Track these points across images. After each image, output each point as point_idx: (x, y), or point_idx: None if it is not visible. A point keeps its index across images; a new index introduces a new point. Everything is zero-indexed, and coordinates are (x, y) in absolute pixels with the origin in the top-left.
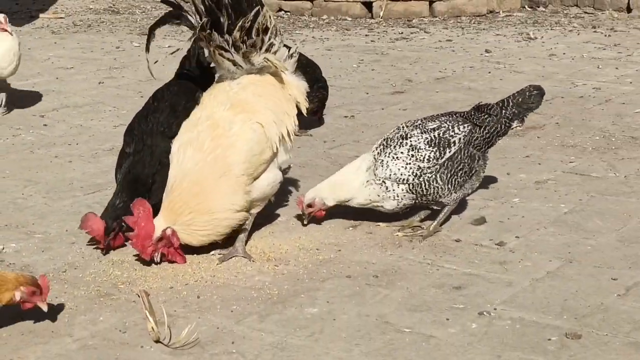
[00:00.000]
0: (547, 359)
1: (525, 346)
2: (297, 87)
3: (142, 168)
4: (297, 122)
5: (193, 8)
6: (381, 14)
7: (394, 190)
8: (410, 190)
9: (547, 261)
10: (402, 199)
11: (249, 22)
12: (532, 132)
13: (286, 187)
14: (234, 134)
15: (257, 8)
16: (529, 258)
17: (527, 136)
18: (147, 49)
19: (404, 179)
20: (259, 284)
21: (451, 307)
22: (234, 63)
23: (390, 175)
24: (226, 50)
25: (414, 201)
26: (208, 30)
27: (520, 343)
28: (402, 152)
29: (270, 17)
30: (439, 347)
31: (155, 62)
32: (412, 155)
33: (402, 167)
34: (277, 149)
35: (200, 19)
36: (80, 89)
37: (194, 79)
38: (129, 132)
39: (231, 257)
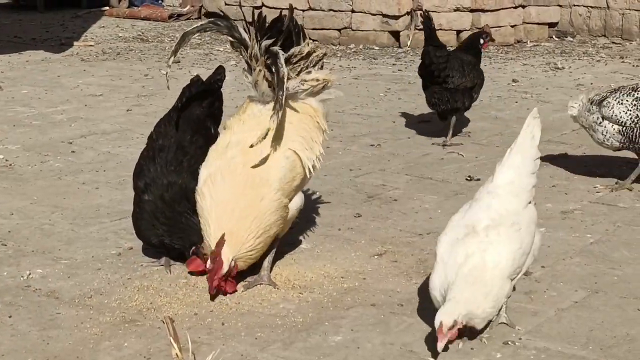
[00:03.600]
0: None
1: None
2: (324, 115)
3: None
4: (322, 150)
5: (251, 28)
6: (409, 43)
7: (605, 127)
8: (621, 132)
9: (573, 291)
10: (609, 137)
11: (302, 50)
12: (559, 161)
13: (311, 215)
14: (266, 161)
15: (307, 39)
16: (555, 288)
17: (553, 166)
18: (175, 53)
19: (621, 122)
20: (284, 311)
21: (476, 337)
22: (273, 86)
23: (611, 115)
24: (275, 66)
25: (619, 144)
26: (275, 50)
27: None
28: (627, 100)
29: (315, 47)
30: None
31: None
32: (635, 105)
33: (624, 111)
34: (307, 175)
35: (258, 37)
36: (108, 116)
37: (196, 108)
38: (139, 176)
39: (256, 285)
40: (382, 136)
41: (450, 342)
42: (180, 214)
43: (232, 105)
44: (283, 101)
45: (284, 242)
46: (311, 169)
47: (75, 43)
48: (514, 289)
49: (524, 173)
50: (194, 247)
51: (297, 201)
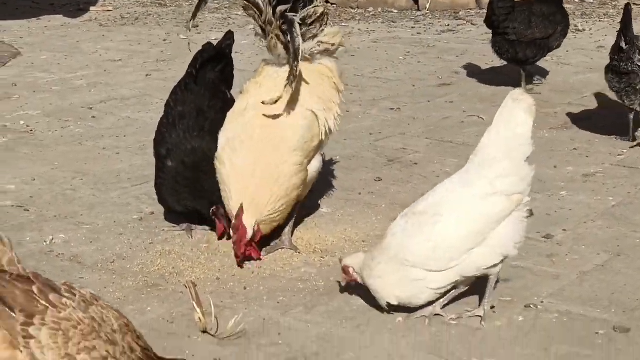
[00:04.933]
0: (595, 353)
1: (573, 339)
2: (339, 74)
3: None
4: (340, 111)
5: None
6: (427, 6)
7: None
8: None
9: (595, 254)
10: None
11: (316, 10)
12: (580, 124)
13: (331, 179)
14: (284, 121)
15: None
16: (577, 251)
17: (574, 129)
18: (194, 17)
19: None
20: (306, 275)
21: (498, 300)
22: (288, 48)
23: None
24: (291, 35)
25: None
26: (291, 18)
27: (568, 336)
28: None
29: (326, 7)
30: (485, 340)
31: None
32: None
33: None
34: (325, 136)
35: (271, 1)
36: (127, 81)
37: (210, 73)
38: (161, 144)
39: (277, 249)
40: (401, 100)
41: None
42: (201, 176)
43: (251, 69)
44: (297, 72)
45: (305, 206)
46: (329, 129)
47: (92, 8)
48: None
49: (483, 162)
50: (213, 208)
51: (316, 163)
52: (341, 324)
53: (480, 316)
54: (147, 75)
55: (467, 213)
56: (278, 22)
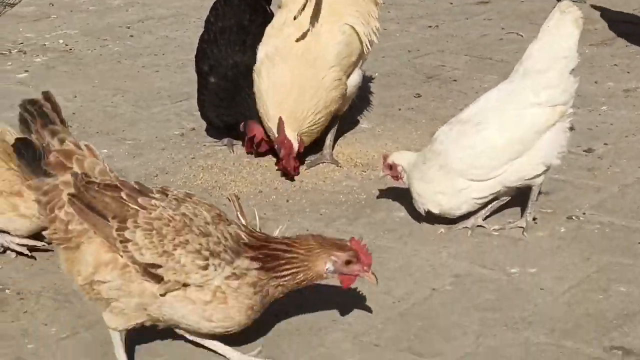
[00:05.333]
0: (637, 262)
1: (615, 249)
2: None
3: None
4: (378, 25)
5: None
6: None
7: None
8: None
9: (637, 167)
10: None
11: None
12: (621, 40)
13: (370, 95)
14: (323, 36)
15: None
16: (618, 164)
17: (615, 45)
18: None
19: None
20: (347, 188)
21: (539, 212)
22: None
23: None
24: None
25: None
26: None
27: (610, 246)
28: None
29: None
30: (527, 249)
31: None
32: None
33: None
34: (364, 50)
35: None
36: (164, 0)
37: None
38: (202, 60)
39: (318, 163)
40: (439, 17)
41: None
42: (243, 91)
43: None
44: None
45: (345, 121)
46: (368, 44)
47: None
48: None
49: (528, 72)
50: (242, 123)
51: (356, 78)
52: (384, 235)
53: (522, 227)
54: None
55: (511, 122)
56: None
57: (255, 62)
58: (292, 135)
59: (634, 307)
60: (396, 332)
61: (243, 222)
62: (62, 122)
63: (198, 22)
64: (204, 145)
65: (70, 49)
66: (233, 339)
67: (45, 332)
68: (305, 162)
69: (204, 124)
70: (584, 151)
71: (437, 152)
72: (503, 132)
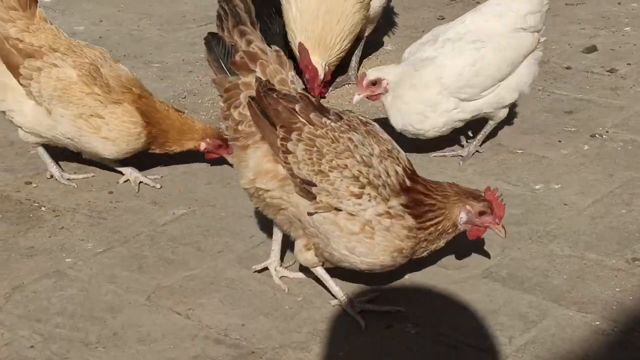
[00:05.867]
0: None
1: (637, 166)
2: None
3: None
4: None
5: None
6: None
7: None
8: None
9: None
10: None
11: None
12: None
13: (394, 18)
14: None
15: None
16: None
17: None
18: None
19: None
20: (372, 109)
21: (563, 130)
22: None
23: None
24: None
25: None
26: None
27: (633, 162)
28: None
29: None
30: (551, 167)
31: None
32: None
33: None
34: None
35: None
36: None
37: None
38: None
39: (344, 84)
40: None
41: (368, 97)
42: (262, 18)
43: None
44: None
45: (369, 43)
46: None
47: None
48: (486, 120)
49: None
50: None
51: (379, 1)
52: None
53: (462, 156)
54: None
55: (505, 43)
56: None
57: None
58: (319, 62)
59: None
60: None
61: None
62: (252, 24)
63: None
64: None
65: None
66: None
67: (81, 247)
68: (340, 81)
69: None
70: (607, 71)
71: (430, 62)
72: (499, 51)
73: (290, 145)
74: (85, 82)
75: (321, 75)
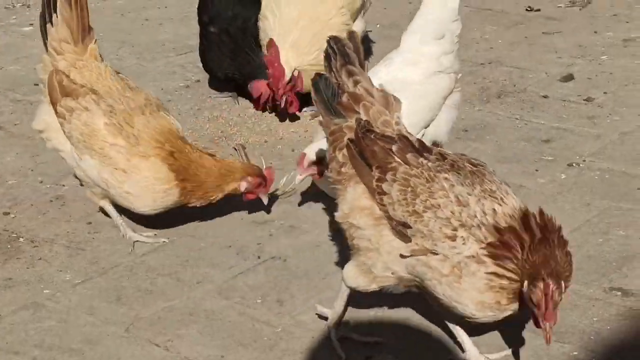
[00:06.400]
0: (636, 207)
1: (614, 195)
2: None
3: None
4: None
5: None
6: None
7: None
8: None
9: (636, 115)
10: None
11: None
12: None
13: (372, 45)
14: None
15: None
16: (618, 112)
17: None
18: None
19: None
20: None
21: (540, 159)
22: None
23: None
24: None
25: None
26: None
27: (609, 192)
28: None
29: None
30: (528, 196)
31: None
32: None
33: None
34: None
35: None
36: None
37: None
38: (203, 11)
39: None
40: None
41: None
42: (243, 48)
43: None
44: None
45: None
46: None
47: None
48: None
49: (426, 39)
50: (249, 85)
51: (360, 24)
52: None
53: None
54: None
55: (423, 89)
56: None
57: (254, 16)
58: (289, 64)
59: (633, 250)
60: None
61: None
62: (361, 64)
63: None
64: (209, 97)
65: None
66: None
67: (60, 278)
68: (310, 112)
69: (208, 76)
70: (584, 100)
71: None
72: (418, 100)
73: (385, 186)
74: (110, 132)
75: (287, 75)
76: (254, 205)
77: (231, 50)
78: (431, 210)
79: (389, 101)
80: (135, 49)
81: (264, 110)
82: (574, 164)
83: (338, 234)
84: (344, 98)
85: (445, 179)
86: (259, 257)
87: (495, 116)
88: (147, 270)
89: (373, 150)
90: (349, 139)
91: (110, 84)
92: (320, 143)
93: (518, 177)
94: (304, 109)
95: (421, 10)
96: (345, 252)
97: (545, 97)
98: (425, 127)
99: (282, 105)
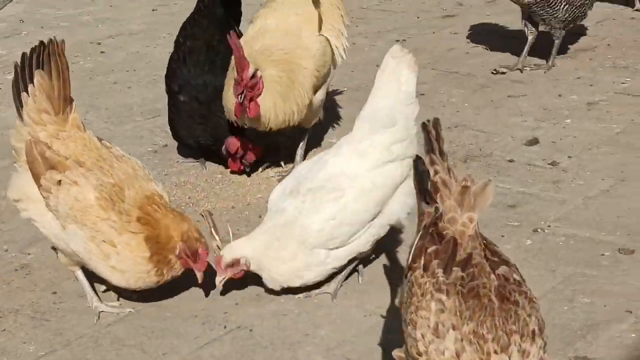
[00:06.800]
0: (601, 273)
1: (579, 261)
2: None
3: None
4: (346, 44)
5: None
6: None
7: None
8: None
9: (600, 180)
10: None
11: None
12: (583, 53)
13: (339, 110)
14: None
15: None
16: (582, 177)
17: (578, 58)
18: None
19: None
20: None
21: (506, 225)
22: None
23: None
24: None
25: None
26: None
27: (575, 258)
28: None
29: None
30: None
31: None
32: None
33: None
34: (334, 65)
35: None
36: (134, 16)
37: (218, 8)
38: (172, 80)
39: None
40: (407, 31)
41: (233, 278)
42: (214, 113)
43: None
44: None
45: (314, 137)
46: (341, 55)
47: None
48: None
49: (375, 127)
50: (225, 144)
51: (323, 93)
52: None
53: (329, 293)
54: (153, 10)
55: (369, 183)
56: None
57: (224, 83)
58: (254, 65)
59: (597, 318)
60: (368, 346)
61: (217, 239)
62: (441, 153)
63: (169, 38)
64: (177, 162)
65: None
66: None
67: (23, 350)
68: (277, 176)
69: (175, 141)
70: (548, 164)
71: (290, 226)
72: (363, 195)
73: (403, 283)
74: (102, 207)
75: (250, 71)
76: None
77: (202, 117)
78: (410, 324)
79: (466, 198)
80: (103, 113)
81: (240, 170)
82: (539, 230)
83: (303, 302)
84: (430, 185)
85: (439, 300)
86: (225, 327)
87: None
88: (112, 342)
89: (421, 244)
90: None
91: (97, 154)
92: (238, 242)
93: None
94: (272, 174)
95: (372, 95)
96: (309, 320)
97: (511, 161)
98: (372, 220)
99: (241, 101)
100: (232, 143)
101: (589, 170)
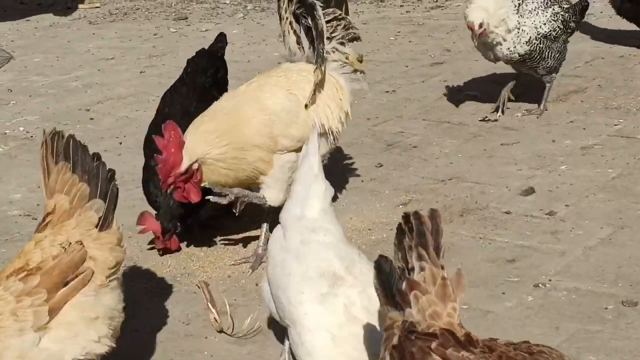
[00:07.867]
0: (605, 328)
1: (583, 316)
2: (349, 95)
3: None
4: (339, 129)
5: None
6: None
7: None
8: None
9: (599, 228)
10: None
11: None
12: (575, 95)
13: (333, 167)
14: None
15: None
16: (581, 226)
17: (569, 100)
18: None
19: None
20: None
21: (506, 281)
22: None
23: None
24: (316, 27)
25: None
26: (311, 1)
27: (577, 313)
28: None
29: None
30: (496, 322)
31: None
32: None
33: None
34: (305, 131)
35: None
36: (122, 79)
37: (201, 77)
38: (146, 144)
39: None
40: (396, 81)
41: None
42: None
43: (244, 59)
44: (324, 54)
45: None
46: (316, 123)
47: (80, 5)
48: None
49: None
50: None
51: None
52: None
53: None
54: (141, 72)
55: None
56: (293, 7)
57: None
58: (189, 153)
59: None
60: None
61: (214, 311)
62: (437, 249)
63: (157, 101)
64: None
65: (32, 137)
66: None
67: None
68: (251, 265)
69: None
70: (546, 214)
71: None
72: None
73: None
74: None
75: (183, 167)
76: (217, 345)
77: None
78: None
79: (447, 292)
80: None
81: (165, 249)
82: (540, 285)
83: None
84: (404, 285)
85: None
86: None
87: (458, 236)
88: None
89: (411, 352)
90: (392, 345)
91: None
92: None
93: (485, 301)
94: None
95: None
96: None
97: (507, 213)
98: None
99: (166, 188)
100: (144, 222)
101: (587, 219)
